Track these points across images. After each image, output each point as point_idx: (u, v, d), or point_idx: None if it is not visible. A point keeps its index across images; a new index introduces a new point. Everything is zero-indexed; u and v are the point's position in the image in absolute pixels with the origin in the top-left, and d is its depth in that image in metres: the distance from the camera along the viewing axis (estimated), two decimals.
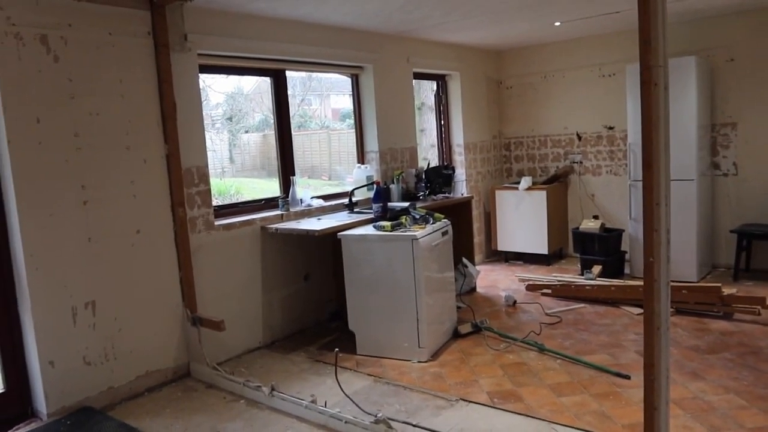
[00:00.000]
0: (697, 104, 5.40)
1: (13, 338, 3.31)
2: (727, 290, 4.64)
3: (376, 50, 5.48)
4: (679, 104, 5.31)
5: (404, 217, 4.16)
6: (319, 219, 4.64)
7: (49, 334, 3.28)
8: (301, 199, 4.86)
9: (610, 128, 6.48)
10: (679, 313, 4.62)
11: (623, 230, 6.04)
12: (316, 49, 4.88)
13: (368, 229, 4.15)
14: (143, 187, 3.71)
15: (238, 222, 4.34)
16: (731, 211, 5.86)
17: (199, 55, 4.06)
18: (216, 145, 6.29)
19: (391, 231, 3.99)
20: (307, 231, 4.21)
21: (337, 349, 3.53)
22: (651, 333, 2.07)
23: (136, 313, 3.70)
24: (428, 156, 6.68)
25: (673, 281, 5.05)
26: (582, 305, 5.04)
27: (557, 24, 5.68)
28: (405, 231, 4.00)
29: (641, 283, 5.01)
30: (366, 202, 5.07)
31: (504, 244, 6.78)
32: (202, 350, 3.88)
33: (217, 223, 4.20)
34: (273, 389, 3.41)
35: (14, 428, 3.21)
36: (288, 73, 4.92)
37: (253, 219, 4.44)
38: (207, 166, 4.11)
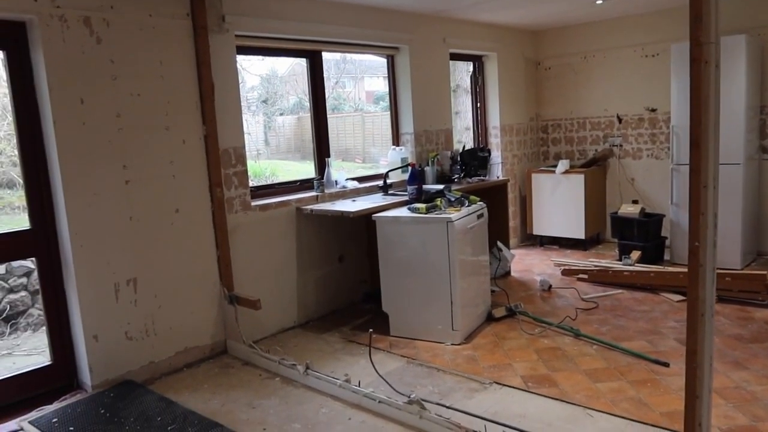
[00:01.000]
0: (746, 84, 5.20)
1: (60, 314, 3.43)
2: None
3: (412, 30, 5.42)
4: (728, 84, 5.10)
5: (439, 199, 4.14)
6: (353, 201, 4.65)
7: (93, 309, 3.38)
8: (336, 181, 4.88)
9: (653, 110, 6.30)
10: (722, 301, 4.49)
11: (664, 215, 5.90)
12: (351, 29, 4.85)
13: (403, 211, 4.14)
14: (182, 168, 3.77)
15: (274, 203, 4.38)
16: None
17: (237, 36, 4.08)
18: (251, 127, 6.35)
19: (425, 213, 3.97)
20: (342, 212, 4.22)
21: (371, 330, 3.55)
22: (695, 319, 2.02)
23: (176, 291, 3.78)
24: (463, 139, 6.61)
25: (716, 268, 4.94)
26: (620, 291, 4.95)
27: (599, 2, 5.52)
28: (440, 213, 3.97)
29: (682, 269, 4.91)
30: (401, 185, 5.05)
31: (540, 228, 6.69)
32: (238, 328, 3.95)
33: (253, 203, 4.25)
34: (308, 368, 3.45)
35: (60, 399, 3.33)
36: (324, 55, 4.91)
37: (289, 200, 4.47)
38: (244, 147, 4.15)
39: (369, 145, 7.70)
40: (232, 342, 4.02)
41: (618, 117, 6.57)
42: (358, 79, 9.38)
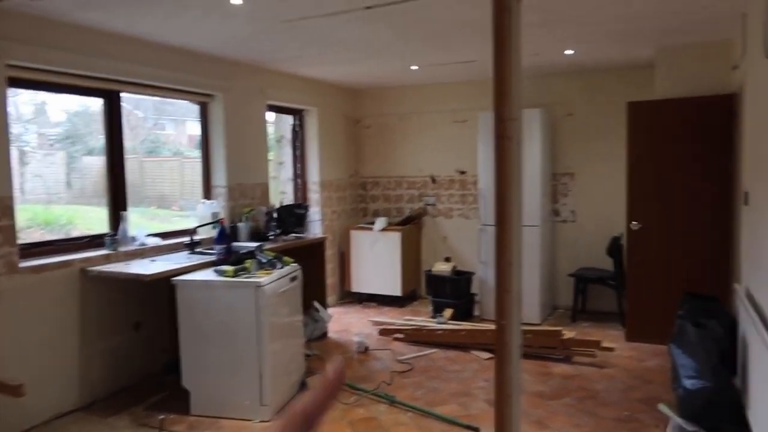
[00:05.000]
0: (541, 153, 5.69)
1: None
2: (567, 332, 4.83)
3: (228, 78, 5.14)
4: (526, 153, 5.55)
5: (249, 260, 3.82)
6: (152, 261, 4.14)
7: None
8: (133, 237, 4.33)
9: (462, 173, 6.65)
10: (525, 357, 4.70)
11: (474, 273, 6.16)
12: (157, 71, 4.44)
13: (208, 274, 3.76)
14: None
15: (52, 263, 3.72)
16: (569, 256, 6.21)
17: (9, 66, 3.47)
18: (45, 168, 5.53)
19: (233, 276, 3.63)
20: (137, 275, 3.71)
21: (162, 417, 3.07)
22: (502, 400, 1.93)
23: None
24: (288, 190, 6.39)
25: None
26: (434, 350, 4.98)
27: (414, 68, 5.74)
28: (249, 277, 3.65)
29: (490, 326, 5.06)
30: (211, 242, 4.64)
31: (358, 285, 6.62)
32: None
33: (23, 264, 3.56)
34: None
35: None
36: (138, 95, 4.40)
37: (72, 260, 3.84)
38: (11, 196, 3.48)
39: (188, 193, 7.19)
40: None
41: (432, 177, 6.83)
42: (180, 122, 8.80)
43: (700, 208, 4.82)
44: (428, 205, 6.85)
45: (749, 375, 3.29)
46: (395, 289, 6.41)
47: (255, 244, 4.37)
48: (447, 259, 6.37)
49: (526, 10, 3.76)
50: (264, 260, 3.88)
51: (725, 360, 3.54)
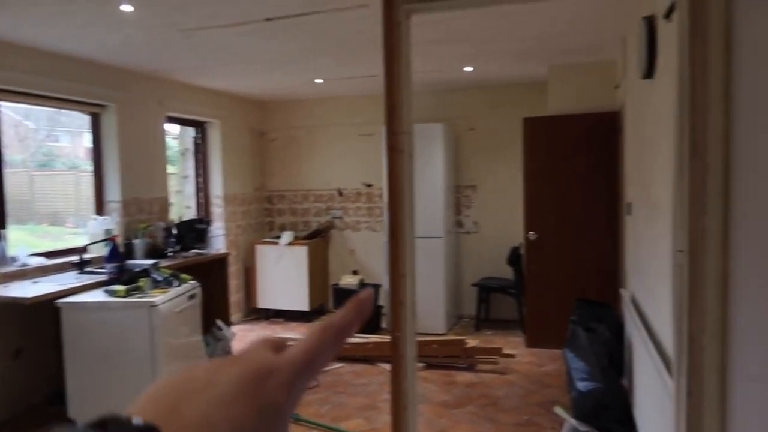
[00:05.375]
0: (444, 167, 5.83)
1: None
2: (470, 341, 4.94)
3: (122, 88, 4.90)
4: (429, 167, 5.67)
5: (143, 279, 3.63)
6: (35, 282, 3.84)
7: None
8: (13, 257, 4.00)
9: (369, 186, 6.69)
10: (430, 368, 4.77)
11: (381, 285, 6.19)
12: (42, 79, 4.16)
13: (97, 295, 3.53)
14: None
15: None
16: (473, 266, 6.38)
17: None
18: None
19: (125, 296, 3.43)
20: (15, 298, 3.43)
21: None
22: (399, 412, 1.94)
23: None
24: (193, 204, 6.16)
25: (423, 334, 5.28)
26: (340, 365, 4.94)
27: (319, 81, 5.73)
28: (142, 296, 3.47)
29: None
30: (103, 261, 4.37)
31: (265, 301, 6.47)
32: None
33: None
34: None
35: None
36: (26, 106, 4.09)
37: None
38: None
39: (84, 208, 6.75)
40: None
41: (339, 190, 6.83)
42: (76, 134, 8.28)
43: (591, 218, 5.11)
44: (335, 218, 6.83)
45: (634, 375, 3.50)
46: (303, 304, 6.32)
47: (150, 262, 4.17)
48: (355, 272, 6.37)
49: (426, 27, 3.86)
50: (160, 278, 3.70)
51: (614, 362, 3.75)
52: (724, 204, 1.67)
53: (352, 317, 0.39)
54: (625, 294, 4.11)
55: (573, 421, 3.56)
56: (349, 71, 5.25)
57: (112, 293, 3.47)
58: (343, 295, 5.97)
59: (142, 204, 5.13)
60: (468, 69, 5.28)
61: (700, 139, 1.62)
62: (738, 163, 1.59)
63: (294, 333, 5.86)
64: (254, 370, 0.35)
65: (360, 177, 6.72)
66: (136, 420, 0.30)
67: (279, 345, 0.38)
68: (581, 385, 3.61)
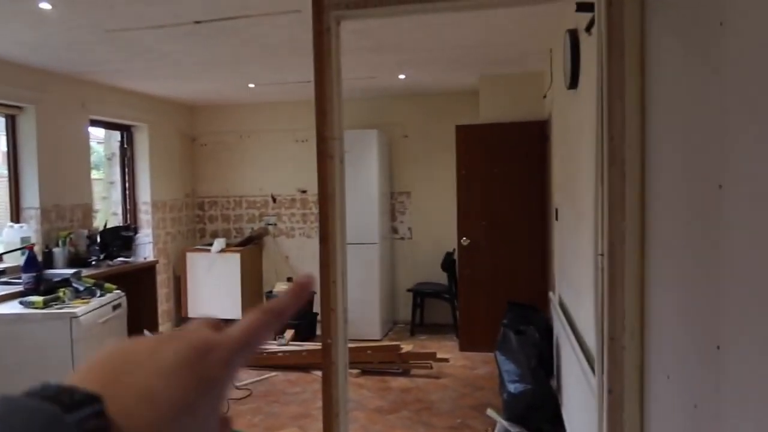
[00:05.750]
0: (378, 173, 5.86)
1: None
2: (405, 346, 4.98)
3: (41, 89, 4.66)
4: (364, 173, 5.69)
5: (64, 289, 3.46)
6: None
7: None
8: None
9: (303, 192, 6.64)
10: (365, 374, 4.76)
11: (315, 292, 6.12)
12: None
13: (13, 306, 3.34)
14: None
15: None
16: (408, 272, 6.44)
17: None
18: None
19: (43, 308, 3.25)
20: None
21: None
22: (330, 419, 1.92)
23: None
24: (120, 211, 5.91)
25: (359, 340, 5.28)
26: (274, 373, 4.86)
27: (251, 86, 5.64)
28: (62, 307, 3.30)
29: None
30: (19, 270, 4.13)
31: (196, 310, 6.29)
32: None
33: None
34: None
35: None
36: None
37: None
38: None
39: (2, 215, 6.34)
40: None
41: (272, 197, 6.73)
42: None
43: (521, 224, 5.26)
44: (269, 224, 6.74)
45: (562, 375, 3.62)
46: (236, 312, 6.17)
47: (71, 271, 3.97)
48: (289, 279, 6.30)
49: (360, 35, 3.88)
50: (81, 288, 3.53)
51: (543, 363, 3.87)
52: (640, 210, 1.76)
53: (290, 301, 0.41)
54: (553, 297, 4.25)
55: (504, 423, 3.64)
56: (282, 77, 5.20)
57: (28, 304, 3.28)
58: None
59: (63, 211, 4.89)
60: (402, 76, 5.34)
61: (618, 148, 1.70)
62: (653, 172, 1.68)
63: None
64: (195, 345, 0.36)
65: (294, 183, 6.66)
66: (80, 389, 0.31)
67: (217, 325, 0.40)
68: (512, 387, 3.70)
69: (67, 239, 4.68)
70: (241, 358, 0.38)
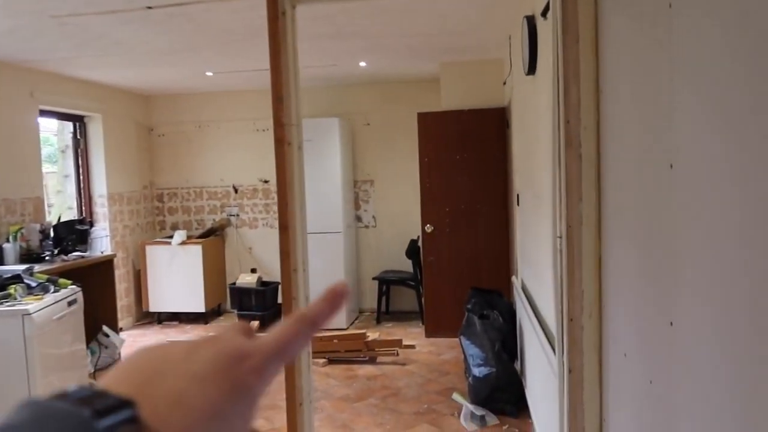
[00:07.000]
0: (341, 162, 5.82)
1: None
2: (371, 334, 4.98)
3: None
4: (327, 161, 5.64)
5: (15, 285, 3.33)
6: None
7: None
8: None
9: (266, 182, 6.56)
10: (332, 363, 4.75)
11: (280, 283, 6.08)
12: None
13: None
14: None
15: None
16: (373, 260, 6.43)
17: None
18: None
19: None
20: None
21: None
22: (293, 409, 1.91)
23: None
24: (74, 205, 5.73)
25: (325, 329, 5.25)
26: None
27: (209, 74, 5.52)
28: (14, 304, 3.19)
29: None
30: None
31: (157, 304, 6.17)
32: None
33: None
34: None
35: None
36: None
37: None
38: None
39: None
40: None
41: (234, 187, 6.63)
42: None
43: (483, 210, 5.30)
44: (231, 215, 6.64)
45: (525, 358, 3.68)
46: (198, 305, 6.09)
47: (23, 267, 3.83)
48: (253, 270, 6.23)
49: (319, 21, 3.83)
50: (34, 284, 3.41)
51: (507, 346, 3.92)
52: (597, 192, 1.78)
53: (325, 308, 0.41)
54: (516, 281, 4.30)
55: (470, 406, 3.68)
56: (240, 64, 5.10)
57: None
58: (241, 294, 5.81)
59: (13, 205, 4.71)
60: (363, 64, 5.30)
61: (574, 131, 1.72)
62: (609, 154, 1.70)
63: (190, 335, 5.63)
64: (230, 352, 0.36)
65: (256, 173, 6.56)
66: (112, 393, 0.31)
67: (250, 330, 0.39)
68: (477, 371, 3.74)
69: (18, 234, 4.52)
70: (274, 367, 0.37)
